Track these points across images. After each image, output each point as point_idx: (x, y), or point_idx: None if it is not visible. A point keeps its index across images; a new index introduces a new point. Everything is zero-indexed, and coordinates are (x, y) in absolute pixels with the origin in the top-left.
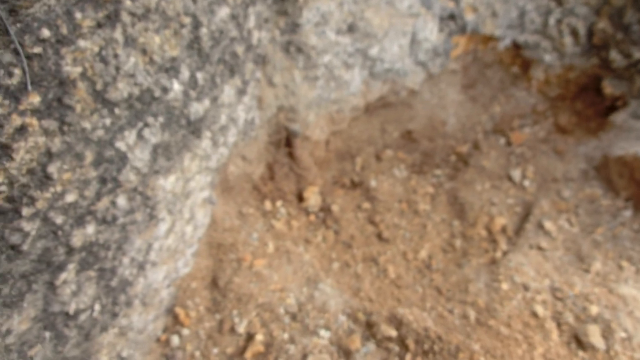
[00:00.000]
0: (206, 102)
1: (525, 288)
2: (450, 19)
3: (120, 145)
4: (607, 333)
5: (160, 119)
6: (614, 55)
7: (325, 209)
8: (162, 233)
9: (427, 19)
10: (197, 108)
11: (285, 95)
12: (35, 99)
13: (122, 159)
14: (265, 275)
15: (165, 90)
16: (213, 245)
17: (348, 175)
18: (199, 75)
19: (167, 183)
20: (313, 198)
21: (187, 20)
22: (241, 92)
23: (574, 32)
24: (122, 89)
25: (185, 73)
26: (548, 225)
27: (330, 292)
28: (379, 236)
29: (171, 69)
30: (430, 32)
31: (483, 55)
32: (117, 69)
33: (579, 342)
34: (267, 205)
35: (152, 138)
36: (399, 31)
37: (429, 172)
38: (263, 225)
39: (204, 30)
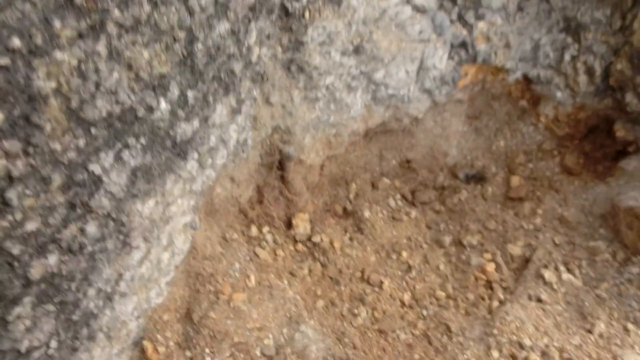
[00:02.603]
0: (195, 123)
1: (521, 346)
2: (462, 48)
3: (94, 167)
4: None
5: (143, 140)
6: (630, 98)
7: (314, 239)
8: (135, 262)
9: (437, 46)
10: (185, 129)
11: (282, 116)
12: None
13: (96, 182)
14: (244, 311)
15: (150, 109)
16: (191, 274)
17: (341, 203)
18: (190, 94)
19: (145, 208)
20: (302, 226)
21: (181, 34)
22: (235, 111)
23: (590, 71)
24: (101, 107)
25: (174, 91)
26: (548, 275)
27: (312, 336)
28: (368, 277)
29: (159, 86)
30: (440, 60)
31: (491, 87)
32: (97, 85)
33: None
34: (253, 230)
35: (131, 160)
36: (407, 56)
37: (426, 204)
38: (247, 254)
39: (199, 46)
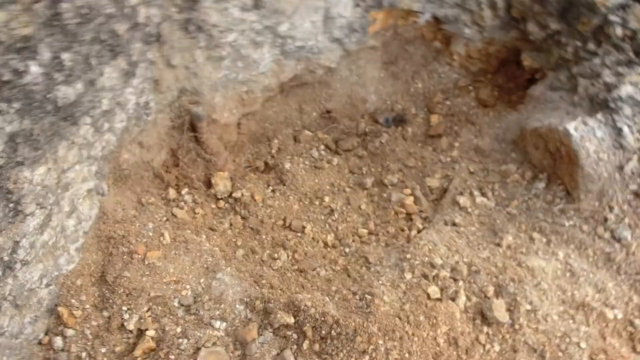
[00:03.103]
0: (79, 86)
1: (432, 266)
2: None
3: None
4: (513, 307)
5: (16, 104)
6: (532, 27)
7: (235, 195)
8: (32, 229)
9: None
10: (67, 92)
11: (187, 77)
12: None
13: None
14: (159, 267)
15: (18, 73)
16: (102, 238)
17: (263, 159)
18: (66, 56)
19: (35, 175)
20: (222, 184)
21: None
22: (128, 74)
23: (493, 5)
24: None
25: (45, 54)
26: (463, 200)
27: (229, 281)
28: (290, 224)
29: (25, 49)
30: (345, 8)
31: (404, 31)
32: None
33: (484, 317)
34: (171, 193)
35: (6, 126)
36: (310, 7)
37: (349, 151)
38: (163, 215)
39: (64, 5)
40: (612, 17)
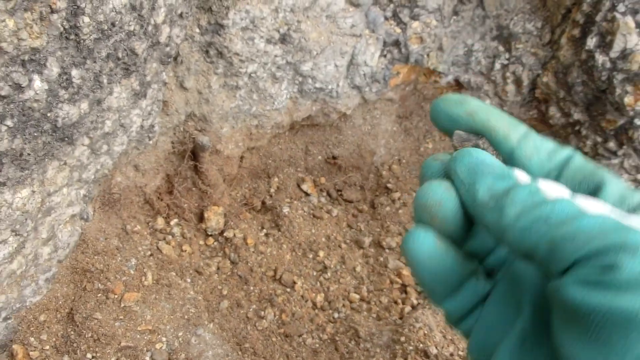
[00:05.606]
0: (84, 105)
1: (427, 356)
2: (394, 46)
3: None
4: None
5: (9, 122)
6: (554, 112)
7: (227, 234)
8: (2, 258)
9: (369, 42)
10: (69, 111)
11: (198, 102)
12: None
13: None
14: (135, 312)
15: (19, 87)
16: (77, 270)
17: (260, 197)
18: (75, 73)
19: (16, 198)
20: (215, 219)
21: (60, 4)
22: (139, 95)
23: (518, 81)
24: None
25: (53, 69)
26: None
27: (210, 340)
28: (281, 277)
29: (31, 62)
30: (371, 57)
31: (423, 88)
32: None
33: None
34: (160, 222)
35: None
36: (337, 50)
37: (350, 203)
38: (148, 248)
39: (85, 20)
40: (638, 121)
